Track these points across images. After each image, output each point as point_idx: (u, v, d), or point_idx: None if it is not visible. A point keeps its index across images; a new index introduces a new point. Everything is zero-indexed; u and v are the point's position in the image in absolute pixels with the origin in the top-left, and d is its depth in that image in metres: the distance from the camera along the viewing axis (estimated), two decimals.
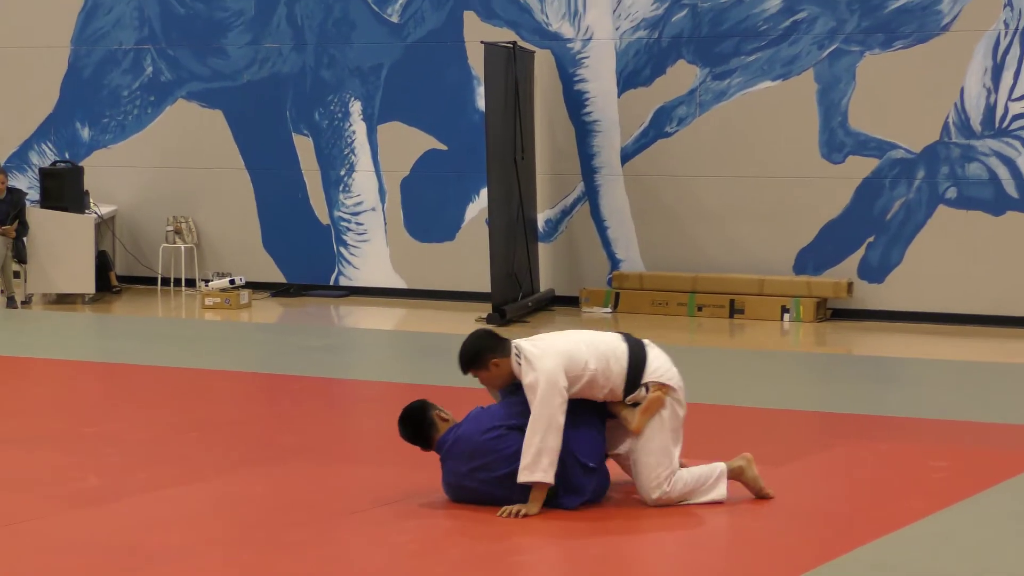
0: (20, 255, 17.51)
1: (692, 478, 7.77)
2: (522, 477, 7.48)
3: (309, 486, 8.28)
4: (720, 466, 7.85)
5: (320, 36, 18.51)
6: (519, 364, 7.67)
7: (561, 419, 7.50)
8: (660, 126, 17.16)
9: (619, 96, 17.28)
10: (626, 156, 17.31)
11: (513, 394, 7.68)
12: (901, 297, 16.30)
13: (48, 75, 19.75)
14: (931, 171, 16.15)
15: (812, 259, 16.65)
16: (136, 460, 8.91)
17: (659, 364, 7.91)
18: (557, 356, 7.61)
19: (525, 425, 7.49)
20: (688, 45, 16.97)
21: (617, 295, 17.08)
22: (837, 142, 16.49)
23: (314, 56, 18.56)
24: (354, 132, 18.40)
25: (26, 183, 19.34)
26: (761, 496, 7.86)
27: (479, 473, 7.56)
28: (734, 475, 7.86)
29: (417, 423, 7.78)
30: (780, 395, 11.79)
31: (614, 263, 17.40)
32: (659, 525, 7.47)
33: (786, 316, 16.31)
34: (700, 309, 16.68)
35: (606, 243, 17.47)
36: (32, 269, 17.57)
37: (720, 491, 7.80)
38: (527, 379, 7.60)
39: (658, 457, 7.69)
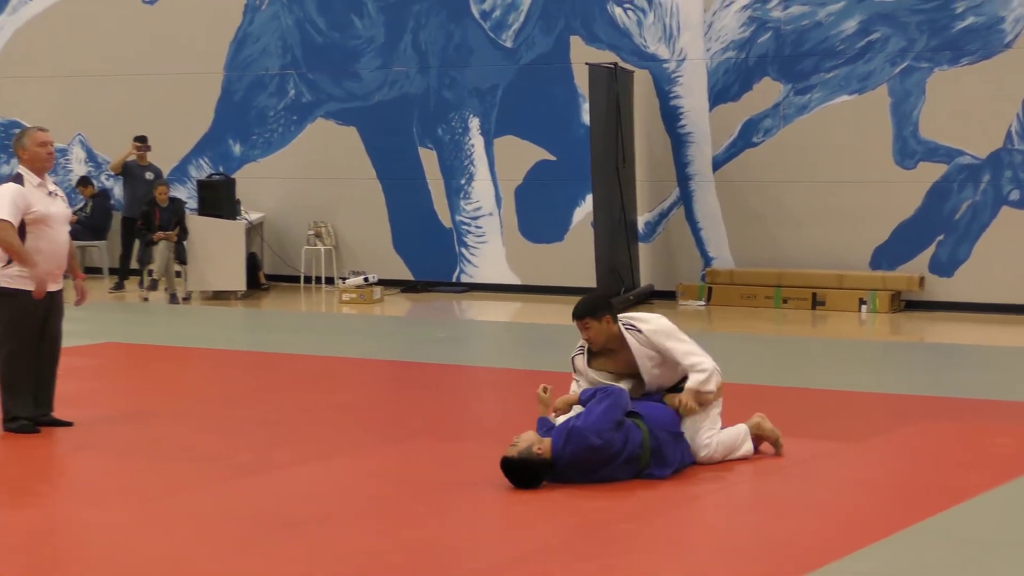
0: (181, 257, 17.71)
1: (727, 438, 7.99)
2: (702, 387, 7.82)
3: (433, 462, 8.29)
4: (743, 427, 8.08)
5: (442, 60, 18.55)
6: (629, 328, 7.97)
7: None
8: (748, 137, 17.03)
9: (710, 110, 17.17)
10: (717, 164, 17.20)
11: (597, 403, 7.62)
12: (968, 289, 16.06)
13: (204, 98, 19.95)
14: (995, 175, 15.90)
15: (887, 256, 16.46)
16: (281, 438, 8.96)
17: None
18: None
19: (621, 422, 7.52)
20: (773, 64, 16.83)
21: (710, 289, 16.97)
22: (909, 150, 16.28)
23: (437, 78, 18.60)
24: (473, 145, 18.42)
25: (186, 193, 19.55)
26: (777, 446, 8.12)
27: (602, 472, 7.54)
28: (754, 431, 8.08)
29: (529, 477, 7.52)
30: (858, 379, 11.65)
31: (707, 260, 17.29)
32: (745, 494, 7.41)
33: (863, 308, 16.13)
34: (785, 302, 16.54)
35: (699, 243, 17.36)
36: (191, 269, 17.76)
37: (748, 447, 8.08)
38: (648, 326, 7.97)
39: (709, 423, 7.92)
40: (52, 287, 8.95)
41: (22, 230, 8.80)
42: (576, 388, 8.23)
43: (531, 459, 7.41)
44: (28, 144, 9.01)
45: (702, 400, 7.89)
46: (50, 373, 9.14)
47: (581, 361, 8.24)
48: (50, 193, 8.99)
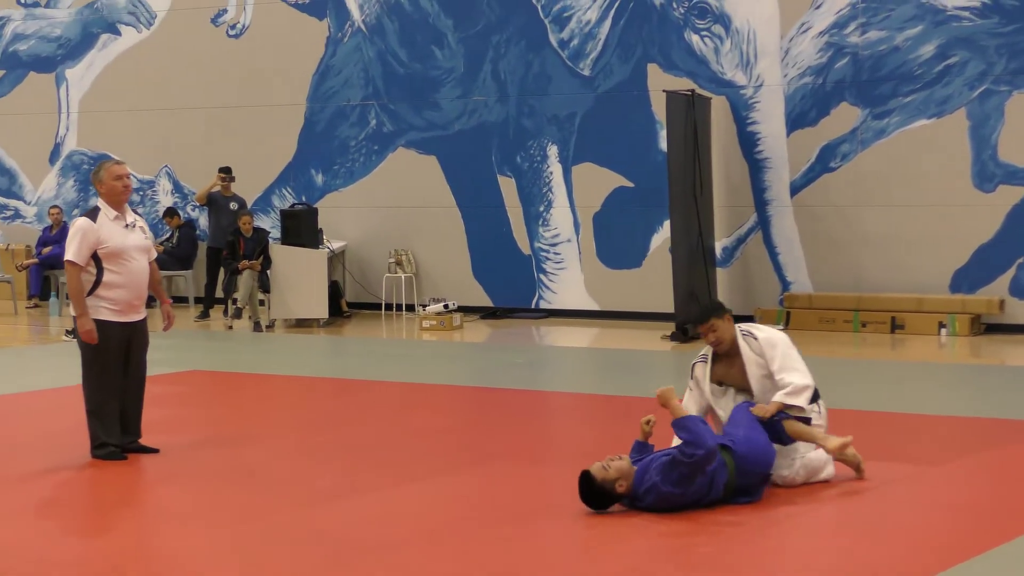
0: (264, 285, 17.83)
1: (810, 461, 7.89)
2: (788, 400, 7.78)
3: (511, 487, 8.25)
4: (825, 452, 7.96)
5: (521, 89, 18.58)
6: (745, 335, 8.05)
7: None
8: (825, 162, 16.90)
9: (788, 136, 17.06)
10: (795, 189, 17.07)
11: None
12: None
13: (287, 129, 20.11)
14: None
15: (966, 278, 16.25)
16: (361, 464, 8.96)
17: None
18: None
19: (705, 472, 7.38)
20: (850, 89, 16.70)
21: (788, 314, 16.83)
22: (988, 173, 16.09)
23: (516, 107, 18.63)
24: (551, 173, 18.42)
25: (269, 223, 19.70)
26: (859, 471, 7.98)
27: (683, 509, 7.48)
28: (837, 455, 7.92)
29: (598, 502, 7.43)
30: (938, 402, 11.49)
31: (785, 285, 17.16)
32: (826, 517, 7.31)
33: (943, 331, 15.93)
34: (864, 325, 16.37)
35: (777, 267, 17.24)
36: (274, 298, 17.86)
37: (830, 471, 7.97)
38: (763, 334, 8.05)
39: (789, 448, 7.87)
40: (133, 317, 9.02)
41: (99, 264, 8.88)
42: (688, 399, 8.18)
43: (609, 492, 7.34)
44: (105, 178, 9.08)
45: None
46: (137, 400, 9.21)
47: (702, 369, 8.22)
48: (127, 225, 9.04)
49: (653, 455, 7.51)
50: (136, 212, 9.41)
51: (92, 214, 9.01)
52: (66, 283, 9.06)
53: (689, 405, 8.15)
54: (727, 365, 8.13)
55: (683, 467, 7.28)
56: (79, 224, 8.95)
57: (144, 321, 9.21)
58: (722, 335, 8.09)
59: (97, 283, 8.90)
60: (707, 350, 8.20)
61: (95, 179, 9.17)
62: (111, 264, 8.91)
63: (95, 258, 8.88)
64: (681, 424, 7.45)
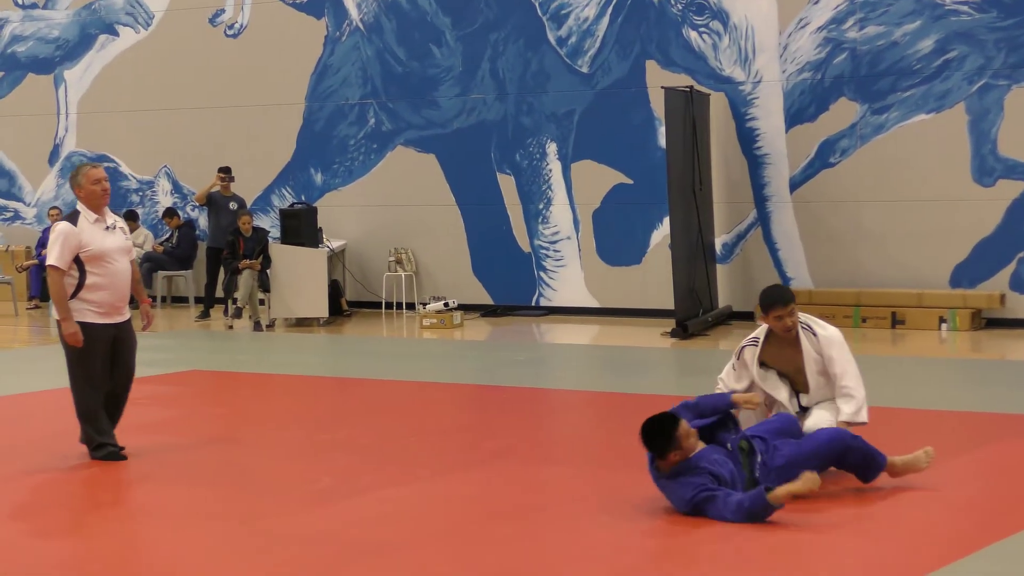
0: (264, 285, 17.81)
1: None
2: (854, 418, 7.87)
3: (513, 486, 8.23)
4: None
5: (520, 87, 18.56)
6: (804, 328, 8.06)
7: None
8: (825, 157, 16.88)
9: (787, 131, 17.04)
10: (794, 185, 17.06)
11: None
12: None
13: (286, 129, 20.09)
14: None
15: (967, 273, 16.23)
16: (363, 463, 8.94)
17: None
18: None
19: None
20: (849, 84, 16.68)
21: None
22: (988, 167, 16.06)
23: (515, 104, 18.61)
24: (551, 170, 18.40)
25: (269, 222, 19.68)
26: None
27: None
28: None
29: (663, 443, 7.32)
30: (940, 397, 11.47)
31: (785, 281, 17.13)
32: (830, 515, 7.28)
33: (944, 326, 15.91)
34: (864, 321, 16.35)
35: (777, 263, 17.21)
36: (274, 297, 17.85)
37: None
38: (823, 332, 8.07)
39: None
40: (117, 318, 9.02)
41: (82, 267, 8.88)
42: (729, 375, 8.24)
43: (672, 445, 7.20)
44: (83, 182, 9.08)
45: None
46: (121, 402, 9.21)
47: (752, 353, 8.23)
48: (108, 227, 9.03)
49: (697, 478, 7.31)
50: (115, 214, 9.39)
51: (72, 218, 9.02)
52: (49, 287, 9.06)
53: (729, 380, 8.24)
54: (778, 350, 8.17)
55: (713, 504, 7.15)
56: (60, 228, 8.95)
57: (129, 322, 9.19)
58: (797, 320, 8.14)
59: (80, 286, 8.89)
60: (759, 333, 8.21)
61: (73, 183, 9.19)
62: (93, 267, 8.90)
63: (77, 261, 8.87)
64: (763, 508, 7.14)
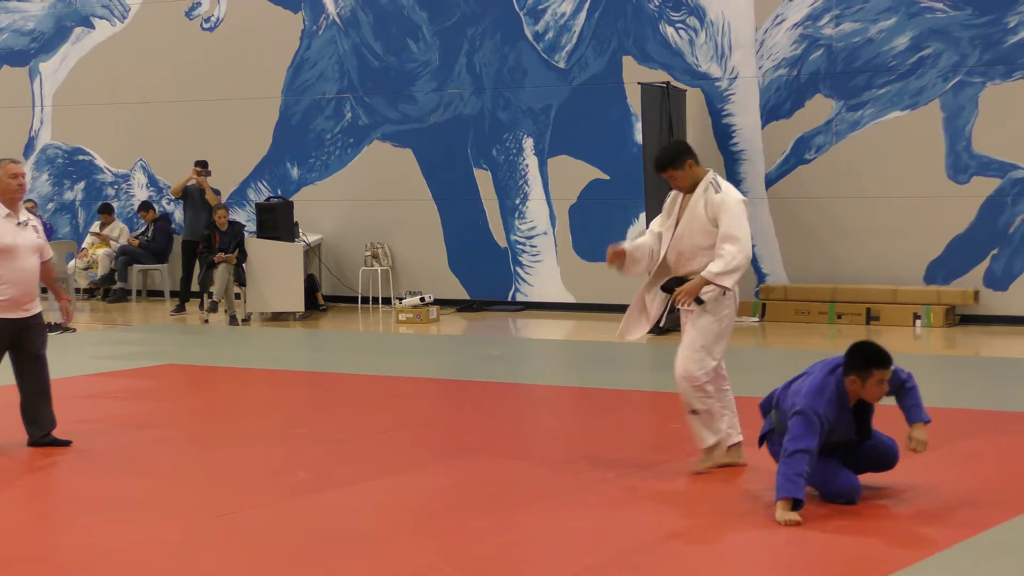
0: (240, 279, 17.78)
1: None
2: (716, 278, 7.78)
3: (488, 480, 8.24)
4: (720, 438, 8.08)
5: (496, 82, 18.56)
6: (713, 183, 7.95)
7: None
8: (800, 154, 16.93)
9: (763, 128, 17.08)
10: (770, 181, 17.10)
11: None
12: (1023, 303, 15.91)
13: (262, 123, 20.06)
14: None
15: (941, 270, 16.30)
16: (339, 457, 8.95)
17: None
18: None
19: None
20: (824, 81, 16.73)
21: (764, 306, 16.87)
22: (962, 164, 16.14)
23: (491, 99, 18.62)
24: (527, 165, 18.41)
25: (245, 216, 19.65)
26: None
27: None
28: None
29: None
30: None
31: (760, 277, 17.19)
32: (803, 507, 7.32)
33: (918, 322, 15.98)
34: (839, 317, 16.41)
35: (753, 259, 17.17)
36: (250, 291, 17.82)
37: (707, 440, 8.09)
38: (726, 195, 7.90)
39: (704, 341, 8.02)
40: (22, 313, 9.07)
41: None
42: (656, 221, 8.33)
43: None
44: (0, 175, 9.06)
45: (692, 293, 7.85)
46: (39, 395, 9.24)
47: (670, 201, 8.28)
48: (20, 223, 9.08)
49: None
50: (32, 212, 9.43)
51: None
52: None
53: (653, 227, 8.35)
54: (684, 202, 8.17)
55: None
56: None
57: (38, 316, 9.25)
58: (680, 183, 8.11)
59: None
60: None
61: None
62: (1, 261, 8.95)
63: None
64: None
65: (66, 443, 9.23)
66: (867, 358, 7.27)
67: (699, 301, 7.93)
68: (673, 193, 8.24)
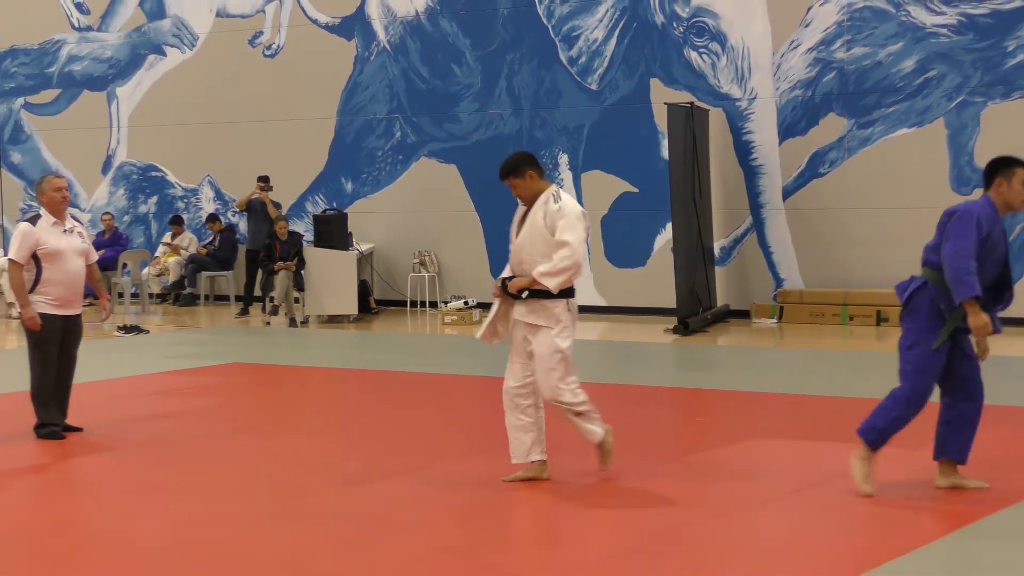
0: (299, 285, 17.85)
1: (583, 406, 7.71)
2: (542, 277, 7.55)
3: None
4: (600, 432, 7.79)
5: (534, 103, 18.58)
6: (553, 195, 7.64)
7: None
8: (815, 168, 16.87)
9: (780, 144, 17.03)
10: (787, 193, 17.05)
11: None
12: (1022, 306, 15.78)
13: (319, 141, 20.13)
14: None
15: None
16: (388, 448, 8.98)
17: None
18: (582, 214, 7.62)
19: None
20: (837, 100, 16.66)
21: (782, 308, 16.81)
22: (965, 177, 16.04)
23: (529, 119, 18.63)
24: (562, 179, 18.41)
25: (303, 227, 19.72)
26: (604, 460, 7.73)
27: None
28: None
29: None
30: None
31: (778, 282, 17.14)
32: (810, 499, 7.29)
33: None
34: (851, 319, 16.34)
35: (771, 265, 17.21)
36: (308, 296, 17.89)
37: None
38: (564, 204, 7.59)
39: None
40: (67, 311, 9.30)
41: (39, 263, 9.22)
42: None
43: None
44: (46, 189, 9.41)
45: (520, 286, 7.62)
46: (67, 386, 9.49)
47: (517, 214, 7.93)
48: (66, 230, 9.39)
49: None
50: (76, 220, 9.73)
51: (33, 220, 9.39)
52: (8, 279, 9.46)
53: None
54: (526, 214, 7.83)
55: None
56: (20, 228, 9.34)
57: (79, 316, 9.51)
58: (521, 192, 7.82)
59: (37, 280, 9.24)
60: None
61: (38, 190, 9.54)
62: (48, 263, 9.25)
63: (35, 258, 9.23)
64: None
65: (79, 429, 9.51)
66: (1007, 160, 7.24)
67: (525, 296, 7.65)
68: (521, 207, 7.89)
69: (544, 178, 7.81)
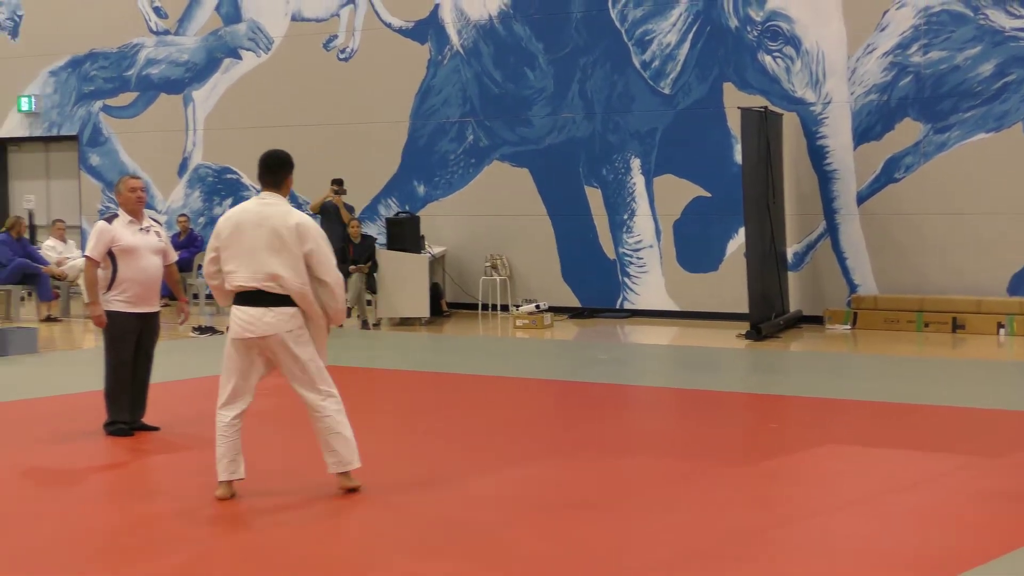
0: (372, 287, 17.93)
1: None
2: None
3: (596, 473, 8.22)
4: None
5: (606, 107, 18.53)
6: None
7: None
8: (890, 173, 16.70)
9: (854, 149, 16.87)
10: (861, 199, 16.88)
11: None
12: None
13: (392, 145, 20.21)
14: None
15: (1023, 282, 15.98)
16: (459, 451, 8.98)
17: None
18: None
19: None
20: (913, 105, 16.48)
21: (855, 314, 16.64)
22: None
23: (601, 123, 18.59)
24: (634, 184, 18.36)
25: (376, 230, 19.81)
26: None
27: None
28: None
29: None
30: (997, 398, 11.28)
31: (852, 287, 16.97)
32: (889, 505, 7.19)
33: (1002, 331, 15.67)
34: (927, 325, 16.14)
35: (845, 271, 17.05)
36: (381, 298, 17.96)
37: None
38: (296, 219, 7.35)
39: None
40: (144, 309, 9.40)
41: (114, 261, 9.36)
42: None
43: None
44: (123, 190, 9.60)
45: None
46: (144, 384, 9.59)
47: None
48: (141, 228, 9.49)
49: None
50: (154, 220, 9.83)
51: (110, 219, 9.54)
52: (83, 275, 9.57)
53: None
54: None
55: None
56: (97, 226, 9.51)
57: (156, 315, 9.59)
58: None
59: (113, 278, 9.37)
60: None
61: (116, 191, 9.73)
62: (124, 261, 9.37)
63: (111, 256, 9.37)
64: None
65: (155, 428, 9.61)
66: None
67: None
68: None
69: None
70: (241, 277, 7.28)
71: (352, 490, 7.54)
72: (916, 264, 16.62)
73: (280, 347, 7.40)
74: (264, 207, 7.39)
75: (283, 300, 7.34)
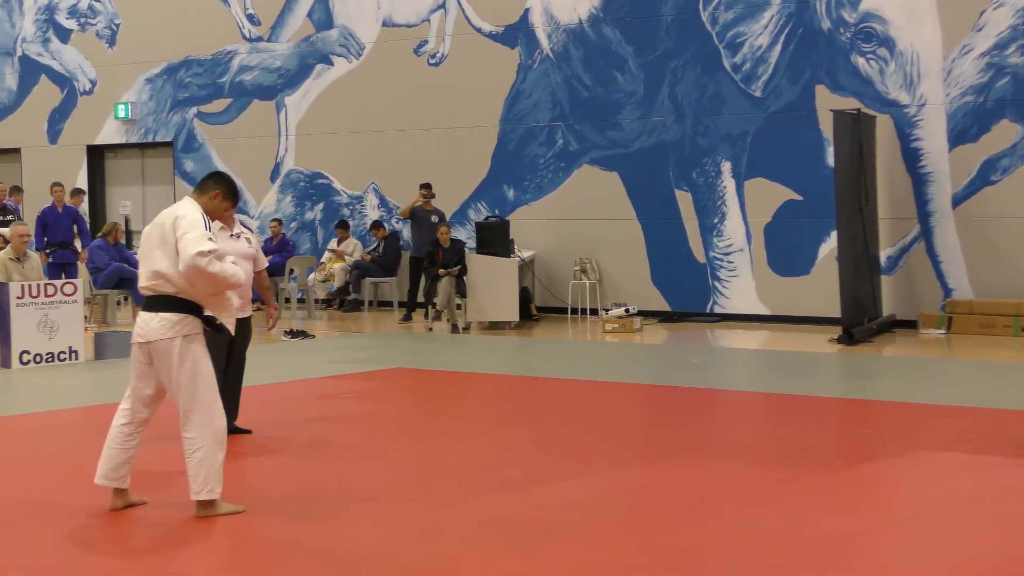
0: (461, 291, 17.98)
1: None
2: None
3: (687, 478, 8.18)
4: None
5: (696, 110, 18.44)
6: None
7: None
8: (986, 175, 16.44)
9: (950, 151, 16.64)
10: (956, 201, 16.64)
11: None
12: None
13: (481, 149, 20.27)
14: None
15: None
16: (548, 455, 8.97)
17: None
18: None
19: None
20: (1011, 107, 16.22)
21: (950, 319, 16.40)
22: None
23: (692, 126, 18.50)
24: (725, 187, 18.25)
25: (465, 234, 19.87)
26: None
27: None
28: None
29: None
30: None
31: (946, 291, 16.73)
32: (980, 512, 7.07)
33: None
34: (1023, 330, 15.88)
35: (939, 275, 16.81)
36: (470, 302, 18.01)
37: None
38: (180, 212, 7.21)
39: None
40: (238, 314, 9.39)
41: None
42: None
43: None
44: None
45: None
46: (236, 386, 9.65)
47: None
48: (232, 235, 9.61)
49: None
50: (246, 227, 10.00)
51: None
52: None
53: None
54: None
55: None
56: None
57: (248, 320, 9.70)
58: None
59: None
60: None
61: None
62: None
63: None
64: None
65: (247, 431, 9.68)
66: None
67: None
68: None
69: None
70: (141, 279, 7.18)
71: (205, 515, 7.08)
72: (1013, 268, 16.34)
73: (158, 355, 7.12)
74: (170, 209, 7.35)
75: (173, 304, 7.10)
